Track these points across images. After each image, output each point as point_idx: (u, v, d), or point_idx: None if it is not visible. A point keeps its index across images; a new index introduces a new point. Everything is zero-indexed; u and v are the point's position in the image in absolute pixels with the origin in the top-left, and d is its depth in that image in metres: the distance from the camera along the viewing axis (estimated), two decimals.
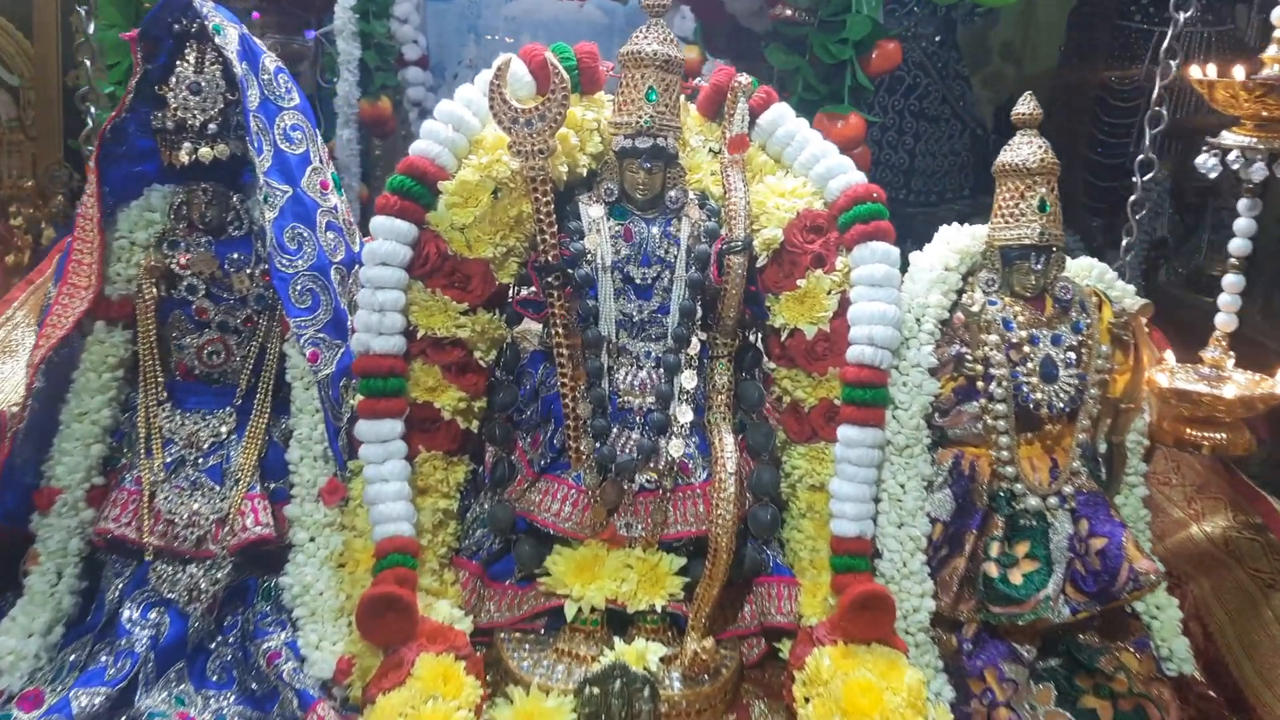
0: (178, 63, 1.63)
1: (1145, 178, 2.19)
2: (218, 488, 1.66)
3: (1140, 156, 2.18)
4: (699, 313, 1.69)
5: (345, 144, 2.98)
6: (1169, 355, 1.85)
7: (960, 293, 1.70)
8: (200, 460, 1.68)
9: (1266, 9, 2.86)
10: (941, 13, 3.11)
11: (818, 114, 2.23)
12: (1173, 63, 2.10)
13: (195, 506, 1.64)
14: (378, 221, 1.62)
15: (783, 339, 1.71)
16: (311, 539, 1.67)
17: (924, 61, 3.09)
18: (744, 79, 1.68)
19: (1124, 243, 2.24)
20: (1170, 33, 2.08)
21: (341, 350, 1.67)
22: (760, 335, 1.79)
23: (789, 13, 2.33)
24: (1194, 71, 1.67)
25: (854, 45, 2.26)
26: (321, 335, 1.65)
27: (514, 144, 1.57)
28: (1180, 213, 3.11)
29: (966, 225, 1.76)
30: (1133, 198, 2.21)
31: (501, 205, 1.65)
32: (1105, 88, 3.22)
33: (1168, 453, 1.96)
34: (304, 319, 1.64)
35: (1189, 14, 2.08)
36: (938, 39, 3.13)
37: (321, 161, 1.72)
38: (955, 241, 1.72)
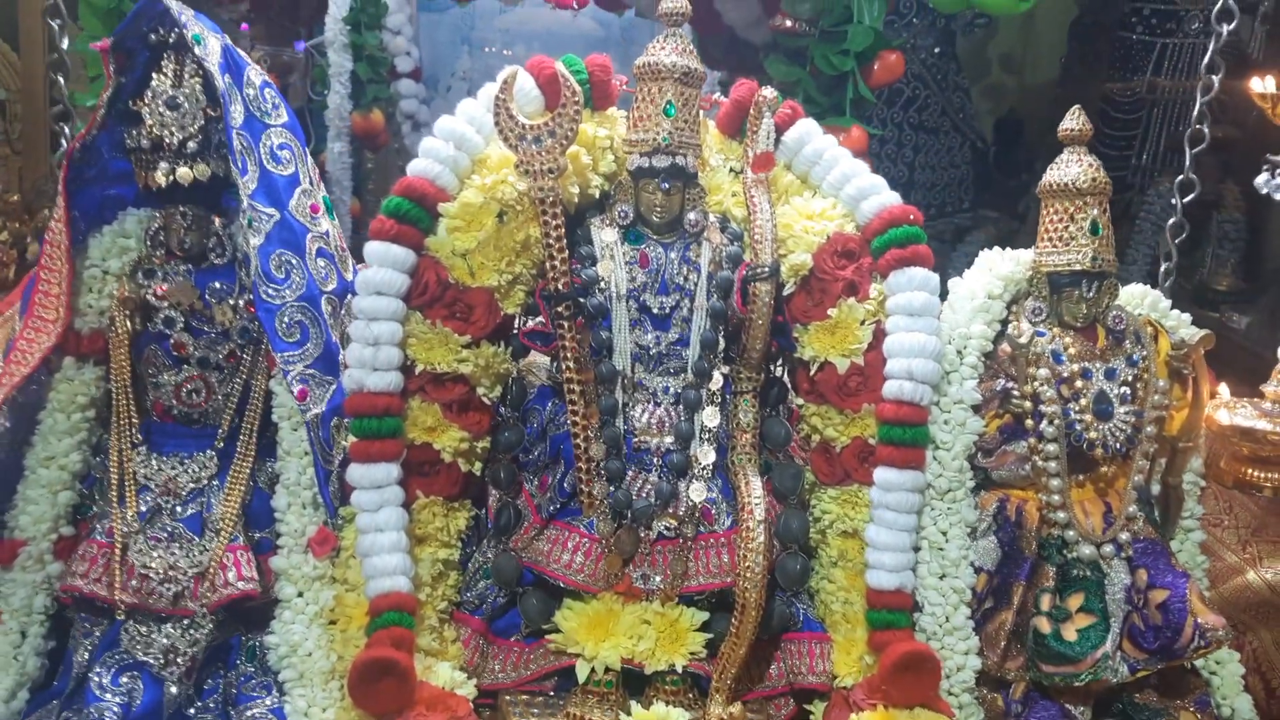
0: (154, 76, 1.53)
1: (1185, 199, 2.09)
2: (197, 539, 1.54)
3: (1180, 178, 2.09)
4: (721, 345, 1.59)
5: (336, 157, 3.01)
6: (1223, 389, 1.74)
7: (1005, 323, 1.60)
8: (178, 509, 1.56)
9: (1269, 20, 2.84)
10: (941, 24, 3.10)
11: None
12: (1215, 77, 2.00)
13: (172, 560, 1.52)
14: (372, 248, 1.51)
15: (812, 373, 1.61)
16: (300, 594, 1.56)
17: (923, 73, 3.09)
18: (769, 93, 1.60)
19: (1162, 269, 2.15)
20: (1212, 46, 2.02)
21: (333, 387, 1.56)
22: (787, 369, 1.70)
23: (789, 23, 2.33)
24: (1255, 84, 1.57)
25: (856, 56, 2.24)
26: (311, 371, 1.55)
27: (521, 163, 1.48)
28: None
29: (1009, 249, 1.66)
30: (1171, 221, 2.13)
31: (507, 229, 1.55)
32: (1107, 99, 3.20)
33: (1219, 492, 1.86)
34: (291, 354, 1.53)
35: (1230, 25, 1.99)
36: (937, 50, 3.13)
37: (312, 183, 1.62)
38: (999, 267, 1.62)
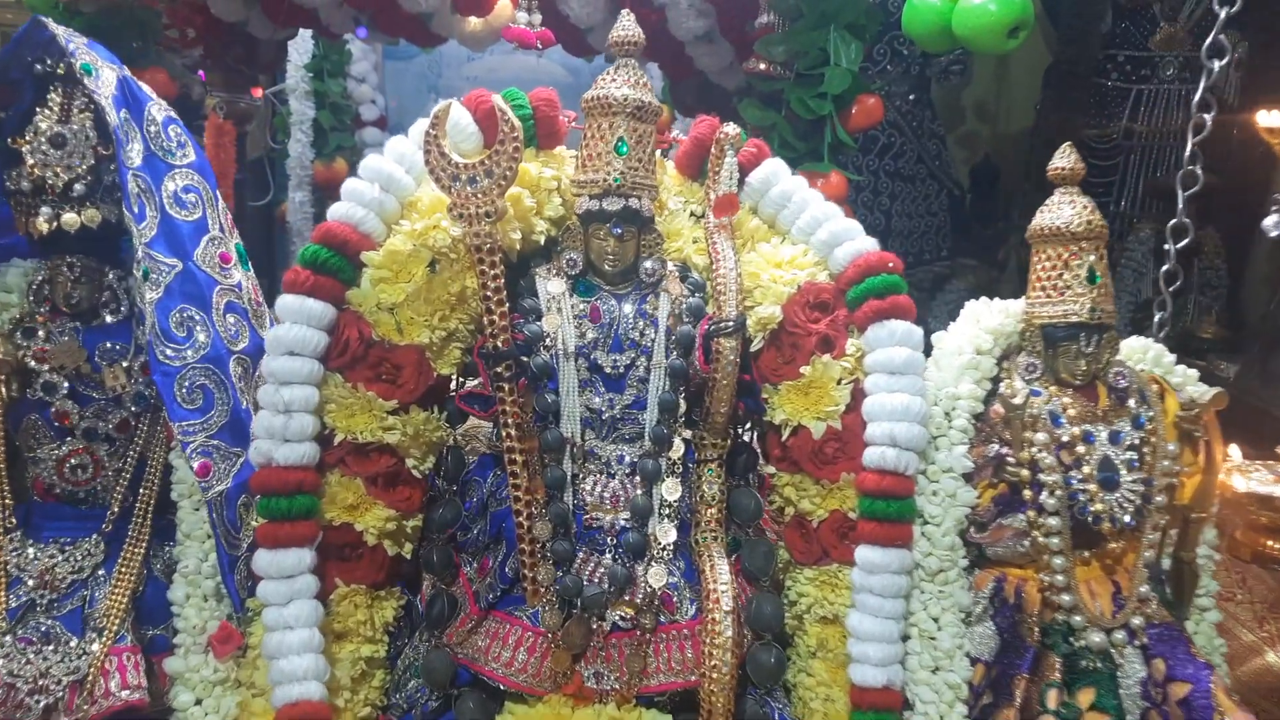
0: (37, 110, 1.41)
1: (1179, 245, 1.97)
2: (75, 640, 1.41)
3: (1173, 221, 1.97)
4: (682, 408, 1.49)
5: (298, 207, 3.11)
6: (1234, 450, 1.60)
7: (996, 381, 1.49)
8: (55, 604, 1.43)
9: (1243, 66, 2.83)
10: (915, 71, 3.10)
11: (796, 172, 2.14)
12: (1207, 116, 1.91)
13: (44, 666, 1.39)
14: (284, 302, 1.41)
15: (784, 438, 1.51)
16: (198, 701, 1.46)
17: (899, 120, 3.10)
18: (731, 130, 1.52)
19: (1156, 319, 2.02)
20: (1203, 82, 1.93)
21: (240, 461, 1.45)
22: (756, 433, 1.59)
23: (763, 66, 2.26)
24: (1261, 119, 1.45)
25: (833, 100, 2.17)
26: (215, 442, 1.43)
27: (455, 206, 1.39)
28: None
29: (996, 300, 1.56)
30: (1165, 268, 2.01)
31: (440, 280, 1.45)
32: (1083, 146, 3.28)
33: (1230, 564, 1.73)
34: (192, 423, 1.41)
35: (1222, 61, 1.91)
36: (912, 98, 3.14)
37: (222, 230, 1.51)
38: (986, 320, 1.52)
